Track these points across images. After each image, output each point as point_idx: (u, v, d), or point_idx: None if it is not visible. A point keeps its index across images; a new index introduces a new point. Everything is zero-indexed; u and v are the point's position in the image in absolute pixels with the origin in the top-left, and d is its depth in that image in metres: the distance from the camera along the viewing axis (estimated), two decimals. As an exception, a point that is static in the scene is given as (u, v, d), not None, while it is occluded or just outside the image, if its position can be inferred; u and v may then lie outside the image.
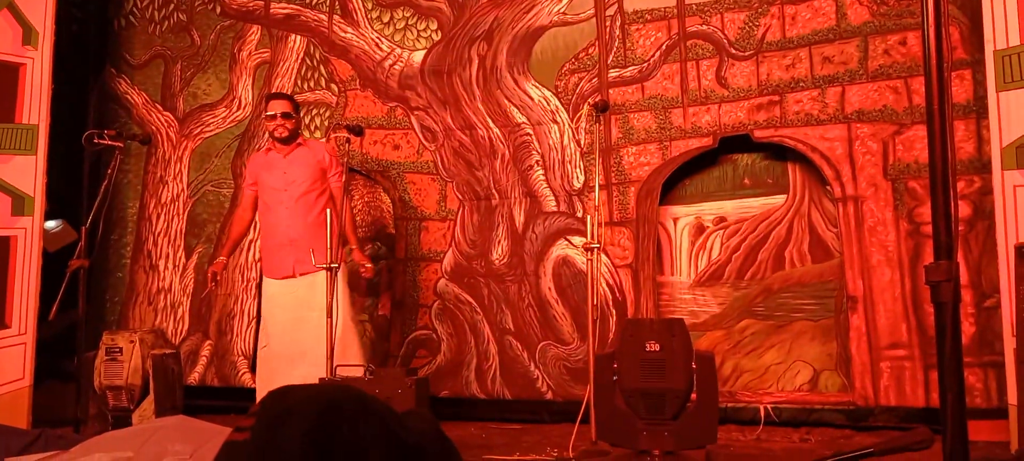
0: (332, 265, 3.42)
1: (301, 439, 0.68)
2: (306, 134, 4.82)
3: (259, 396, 3.40)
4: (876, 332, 3.56)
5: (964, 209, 3.45)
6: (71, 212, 4.65)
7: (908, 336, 3.51)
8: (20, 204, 4.02)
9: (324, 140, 4.16)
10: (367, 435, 0.70)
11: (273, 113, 3.78)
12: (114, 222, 5.08)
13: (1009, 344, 2.96)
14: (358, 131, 3.80)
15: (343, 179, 3.81)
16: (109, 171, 3.85)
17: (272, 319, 3.72)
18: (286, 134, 3.80)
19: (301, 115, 3.92)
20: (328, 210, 3.58)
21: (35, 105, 4.08)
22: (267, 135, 3.97)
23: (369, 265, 3.82)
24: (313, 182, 3.77)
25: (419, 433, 0.76)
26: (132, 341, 3.54)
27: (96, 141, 3.75)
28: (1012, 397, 2.92)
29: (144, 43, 5.24)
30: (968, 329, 3.36)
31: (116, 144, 3.91)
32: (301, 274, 3.69)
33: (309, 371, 3.46)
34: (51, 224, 4.36)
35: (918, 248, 3.53)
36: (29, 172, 4.04)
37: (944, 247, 1.81)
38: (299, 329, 3.61)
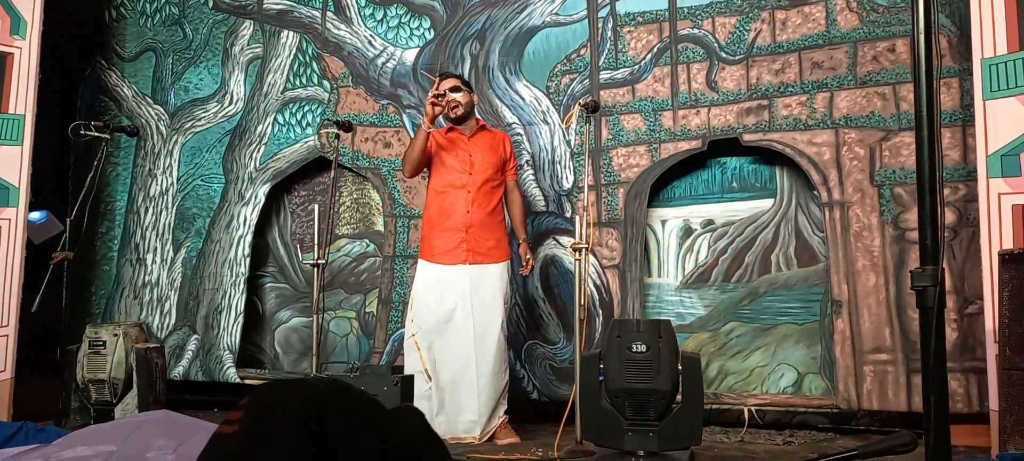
0: (318, 261, 3.40)
1: (290, 432, 0.68)
2: (298, 130, 4.81)
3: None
4: (860, 336, 3.59)
5: (949, 216, 3.49)
6: (57, 204, 4.61)
7: (891, 341, 3.54)
8: (4, 195, 3.99)
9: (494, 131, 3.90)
10: (357, 429, 0.70)
11: (442, 92, 3.60)
12: (102, 214, 5.04)
13: (991, 350, 2.99)
14: (347, 127, 3.79)
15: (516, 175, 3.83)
16: (95, 162, 3.82)
17: (428, 305, 3.55)
18: (461, 111, 3.63)
19: (473, 95, 3.77)
20: (315, 206, 3.55)
21: (22, 95, 4.04)
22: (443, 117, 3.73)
23: (530, 260, 3.76)
24: (495, 171, 3.66)
25: (408, 428, 0.76)
26: (115, 334, 3.51)
27: (82, 132, 3.72)
28: (994, 403, 2.95)
29: (135, 35, 5.21)
30: (951, 335, 3.40)
31: (102, 136, 3.88)
32: (473, 263, 3.55)
33: (459, 363, 3.45)
34: (36, 216, 4.32)
35: (903, 254, 3.56)
36: (14, 163, 4.01)
37: (930, 252, 1.83)
38: (464, 319, 3.50)
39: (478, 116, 3.86)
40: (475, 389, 3.44)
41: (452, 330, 3.51)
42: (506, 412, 3.56)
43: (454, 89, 3.65)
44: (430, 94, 3.57)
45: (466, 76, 4.49)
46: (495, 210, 3.65)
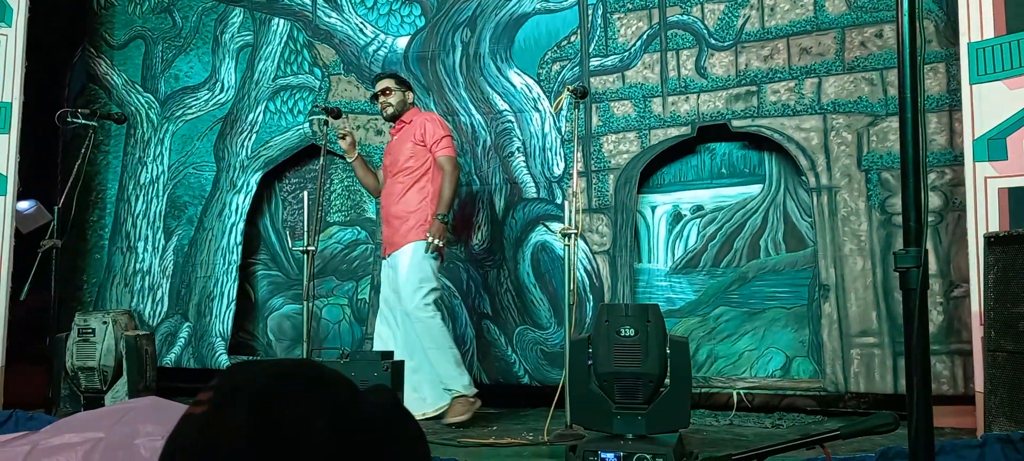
0: (308, 248, 3.40)
1: (247, 409, 0.68)
2: (290, 117, 4.80)
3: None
4: (847, 320, 3.62)
5: (935, 200, 3.51)
6: (45, 192, 4.60)
7: (878, 324, 3.57)
8: (-7, 183, 3.97)
9: (430, 113, 3.96)
10: (315, 405, 0.70)
11: (374, 91, 3.74)
12: (92, 203, 5.03)
13: (977, 332, 3.02)
14: (336, 113, 3.79)
15: (450, 150, 3.61)
16: (83, 150, 3.81)
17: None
18: (390, 111, 3.68)
19: (406, 90, 3.77)
20: (305, 193, 3.53)
21: (8, 83, 4.02)
22: None
23: (434, 242, 3.49)
24: (407, 159, 3.61)
25: (373, 405, 0.77)
26: (105, 322, 3.51)
27: (70, 120, 3.70)
28: (979, 384, 2.98)
29: (124, 23, 5.18)
30: (936, 318, 3.42)
31: (90, 123, 3.87)
32: (388, 255, 3.65)
33: (395, 347, 3.52)
34: (24, 205, 4.30)
35: (890, 238, 3.58)
36: (1, 151, 3.99)
37: (913, 234, 1.84)
38: (385, 308, 3.63)
39: (416, 107, 3.83)
40: (405, 371, 3.46)
41: (382, 319, 3.66)
42: (464, 391, 3.49)
43: (384, 92, 3.71)
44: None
45: (458, 64, 4.48)
46: (405, 198, 3.59)
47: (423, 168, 3.62)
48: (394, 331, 3.58)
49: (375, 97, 3.78)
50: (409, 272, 3.50)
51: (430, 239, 3.49)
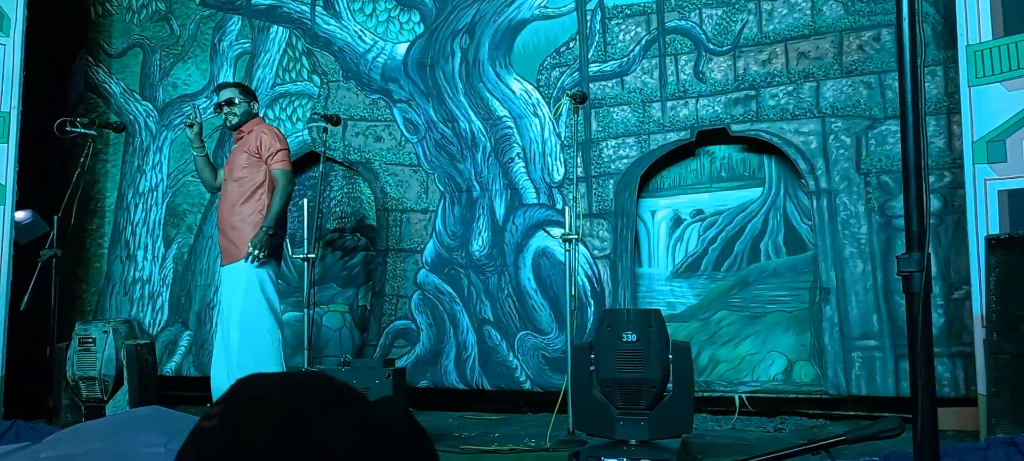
0: (309, 256, 3.39)
1: (269, 423, 0.68)
2: (289, 124, 4.79)
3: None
4: (848, 323, 3.62)
5: (934, 203, 3.51)
6: (44, 201, 4.58)
7: (879, 327, 3.57)
8: (-8, 193, 3.96)
9: (270, 126, 3.84)
10: (336, 419, 0.70)
11: (218, 101, 3.66)
12: (92, 211, 5.02)
13: (979, 335, 3.02)
14: (335, 120, 3.78)
15: (285, 164, 3.53)
16: (82, 159, 3.80)
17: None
18: (234, 121, 3.61)
19: (251, 101, 3.68)
20: (305, 201, 3.50)
21: (7, 92, 4.02)
22: None
23: (255, 252, 3.42)
24: (241, 169, 3.54)
25: (388, 417, 0.77)
26: (105, 331, 3.50)
27: (68, 129, 3.69)
28: (981, 387, 2.98)
29: (122, 32, 5.18)
30: (936, 320, 3.43)
31: (89, 132, 3.86)
32: (223, 265, 3.58)
33: (218, 366, 3.48)
34: (21, 215, 4.29)
35: (890, 241, 3.59)
36: (0, 160, 3.98)
37: (916, 238, 1.84)
38: (219, 320, 3.59)
39: (259, 117, 3.73)
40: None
41: (218, 329, 3.62)
42: None
43: (228, 102, 3.62)
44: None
45: (457, 70, 4.48)
46: (240, 210, 3.51)
47: (258, 180, 3.53)
48: (228, 343, 3.47)
49: (219, 107, 3.66)
50: (235, 294, 3.46)
51: (251, 249, 3.42)
